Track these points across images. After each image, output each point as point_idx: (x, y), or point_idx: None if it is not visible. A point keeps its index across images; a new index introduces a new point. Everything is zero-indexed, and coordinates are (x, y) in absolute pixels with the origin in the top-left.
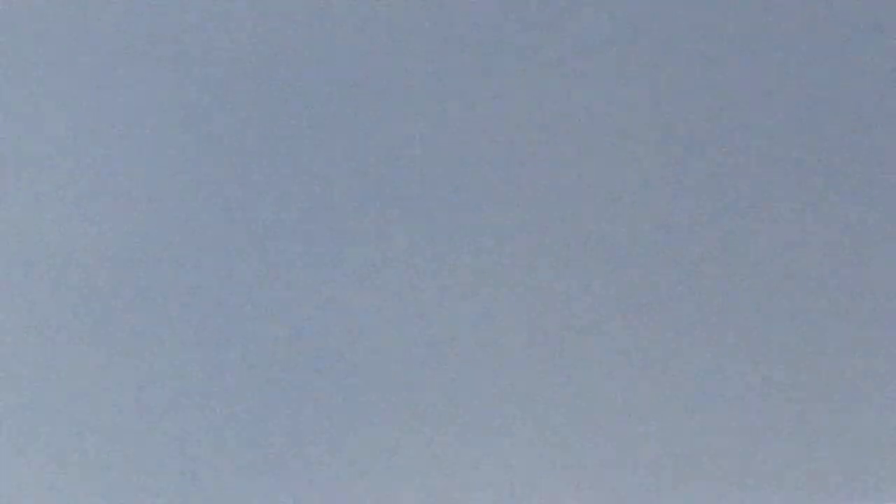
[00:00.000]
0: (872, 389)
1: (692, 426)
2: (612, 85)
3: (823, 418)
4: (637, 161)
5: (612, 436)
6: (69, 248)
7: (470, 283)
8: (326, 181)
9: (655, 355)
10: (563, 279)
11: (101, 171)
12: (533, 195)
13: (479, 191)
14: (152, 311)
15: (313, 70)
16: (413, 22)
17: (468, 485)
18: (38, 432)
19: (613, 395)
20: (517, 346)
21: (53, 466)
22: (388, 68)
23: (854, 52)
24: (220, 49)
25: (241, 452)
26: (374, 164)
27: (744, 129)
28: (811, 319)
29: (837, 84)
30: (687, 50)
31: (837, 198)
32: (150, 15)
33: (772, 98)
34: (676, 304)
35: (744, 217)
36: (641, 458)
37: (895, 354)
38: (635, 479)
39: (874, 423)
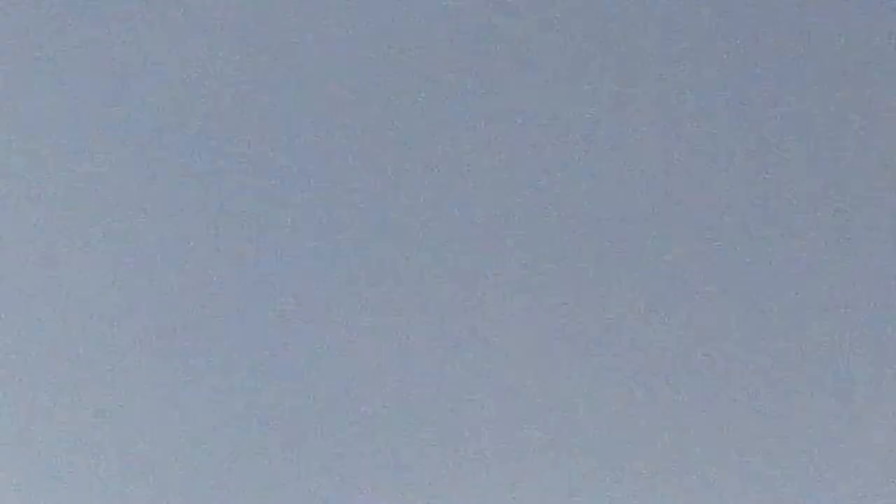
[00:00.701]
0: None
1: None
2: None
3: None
4: (641, 162)
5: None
6: (68, 251)
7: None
8: (328, 181)
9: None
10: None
11: (101, 174)
12: (534, 196)
13: (482, 193)
14: (150, 315)
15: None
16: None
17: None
18: (36, 434)
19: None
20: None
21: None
22: (388, 69)
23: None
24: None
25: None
26: (377, 165)
27: (747, 128)
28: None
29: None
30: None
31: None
32: (149, 15)
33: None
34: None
35: (743, 218)
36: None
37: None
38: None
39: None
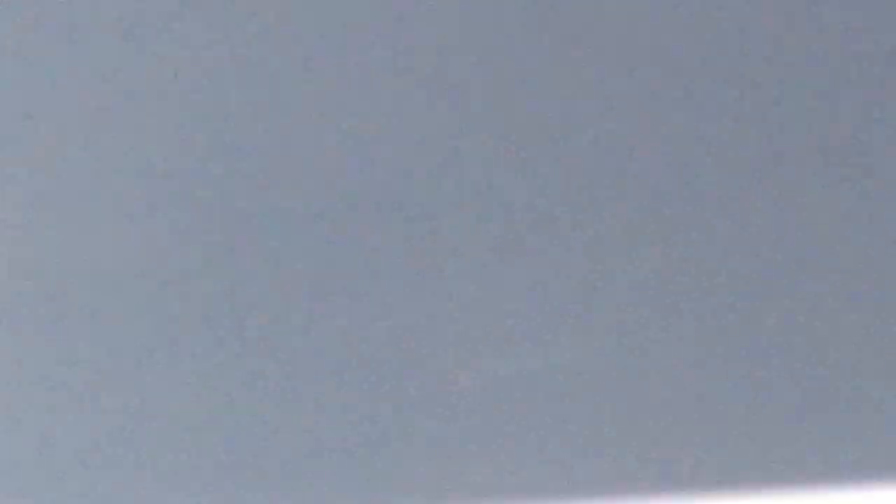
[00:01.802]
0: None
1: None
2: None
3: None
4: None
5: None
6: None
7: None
8: (331, 181)
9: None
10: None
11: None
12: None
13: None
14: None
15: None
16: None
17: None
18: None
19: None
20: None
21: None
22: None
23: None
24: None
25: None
26: (377, 166)
27: (746, 129)
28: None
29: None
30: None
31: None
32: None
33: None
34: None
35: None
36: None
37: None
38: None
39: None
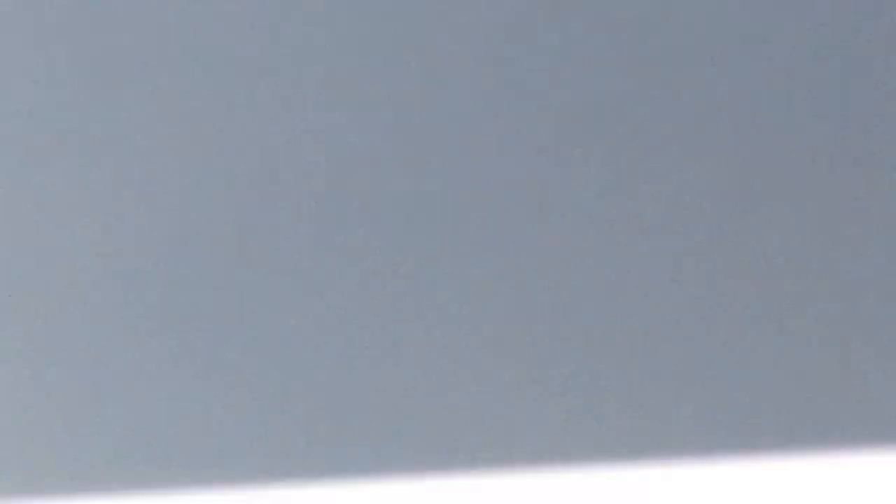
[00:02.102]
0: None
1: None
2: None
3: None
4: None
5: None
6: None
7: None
8: (333, 181)
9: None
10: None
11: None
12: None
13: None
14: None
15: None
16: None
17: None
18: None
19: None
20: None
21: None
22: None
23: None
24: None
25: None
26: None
27: (741, 129)
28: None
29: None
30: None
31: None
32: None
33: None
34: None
35: (740, 216)
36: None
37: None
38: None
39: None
